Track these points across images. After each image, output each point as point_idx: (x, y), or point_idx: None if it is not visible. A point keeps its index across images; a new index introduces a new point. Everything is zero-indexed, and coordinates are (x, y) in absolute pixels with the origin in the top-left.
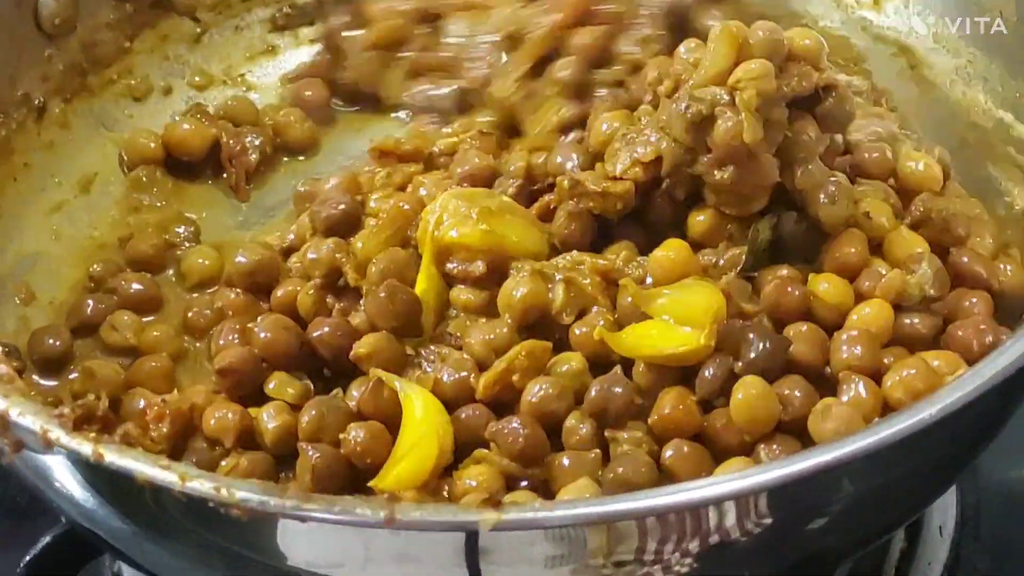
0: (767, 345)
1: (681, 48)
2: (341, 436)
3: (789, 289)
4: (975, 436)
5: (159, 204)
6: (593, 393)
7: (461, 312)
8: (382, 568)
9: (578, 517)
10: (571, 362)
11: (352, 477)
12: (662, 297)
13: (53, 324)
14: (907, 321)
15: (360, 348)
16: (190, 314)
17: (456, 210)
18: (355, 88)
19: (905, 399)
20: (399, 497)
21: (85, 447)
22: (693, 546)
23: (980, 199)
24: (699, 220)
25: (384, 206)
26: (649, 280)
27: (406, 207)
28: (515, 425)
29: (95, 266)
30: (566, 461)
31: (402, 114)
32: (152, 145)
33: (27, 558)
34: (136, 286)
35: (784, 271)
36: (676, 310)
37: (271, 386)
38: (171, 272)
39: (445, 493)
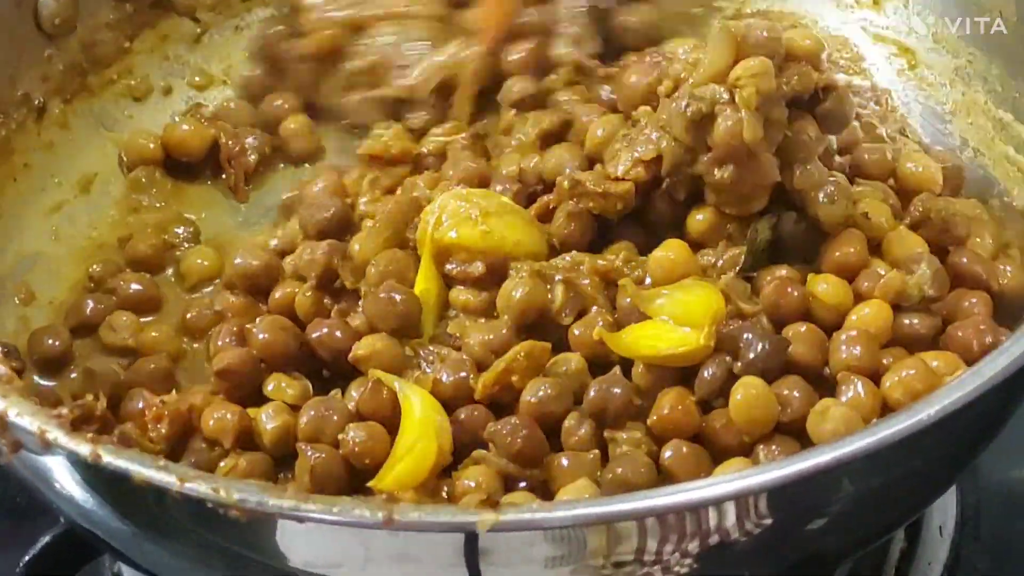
0: (766, 346)
1: (680, 49)
2: (340, 437)
3: (788, 289)
4: (975, 436)
5: (158, 205)
6: (592, 394)
7: (460, 313)
8: (381, 568)
9: (577, 518)
10: (570, 363)
11: (351, 478)
12: (661, 297)
13: (53, 324)
14: (906, 321)
15: (359, 349)
16: (189, 315)
17: (456, 211)
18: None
19: (904, 399)
20: (398, 498)
21: (83, 448)
22: (693, 546)
23: (980, 199)
24: (698, 220)
25: (381, 208)
26: (648, 280)
27: (404, 208)
28: (514, 426)
29: (94, 266)
30: (565, 462)
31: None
32: (151, 146)
33: (26, 558)
34: (135, 286)
35: (783, 271)
36: (675, 310)
37: (270, 387)
38: (170, 272)
39: (444, 494)
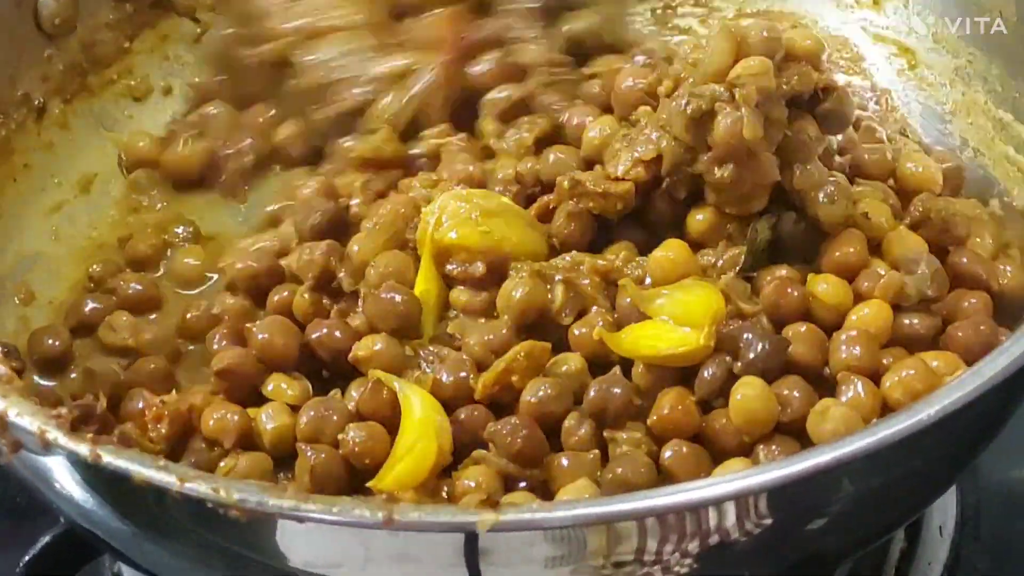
0: (766, 346)
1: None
2: (340, 437)
3: (788, 289)
4: (975, 436)
5: (158, 205)
6: (592, 394)
7: (460, 313)
8: (381, 568)
9: (577, 518)
10: (570, 363)
11: (351, 478)
12: (661, 297)
13: (52, 324)
14: (906, 321)
15: (359, 350)
16: (189, 316)
17: (456, 211)
18: None
19: (904, 399)
20: (398, 498)
21: (83, 448)
22: (693, 546)
23: (980, 199)
24: (698, 220)
25: (380, 209)
26: (648, 280)
27: (402, 210)
28: (514, 426)
29: (94, 266)
30: (565, 462)
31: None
32: (150, 148)
33: (26, 558)
34: (135, 286)
35: (783, 271)
36: (675, 310)
37: (270, 387)
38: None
39: (444, 494)
